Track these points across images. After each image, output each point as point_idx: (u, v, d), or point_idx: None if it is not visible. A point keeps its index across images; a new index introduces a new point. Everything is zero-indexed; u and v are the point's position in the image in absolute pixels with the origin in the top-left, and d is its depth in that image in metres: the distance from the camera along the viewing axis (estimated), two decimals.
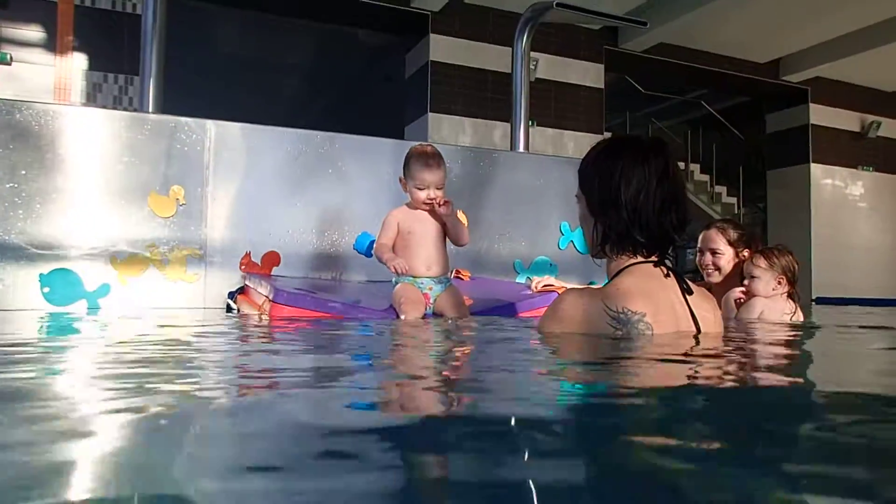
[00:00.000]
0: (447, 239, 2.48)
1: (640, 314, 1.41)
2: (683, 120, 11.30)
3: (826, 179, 10.05)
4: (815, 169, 9.95)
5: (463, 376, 1.03)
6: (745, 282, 2.46)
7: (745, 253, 2.70)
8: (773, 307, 2.40)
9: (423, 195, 2.38)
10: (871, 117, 10.01)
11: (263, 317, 2.23)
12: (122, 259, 2.67)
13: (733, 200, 10.52)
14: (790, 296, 2.46)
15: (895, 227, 10.04)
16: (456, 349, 1.44)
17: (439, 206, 2.35)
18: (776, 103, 10.20)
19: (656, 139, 1.56)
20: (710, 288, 2.84)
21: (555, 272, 3.25)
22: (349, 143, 3.13)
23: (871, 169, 10.07)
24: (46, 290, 2.54)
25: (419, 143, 2.54)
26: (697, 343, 1.40)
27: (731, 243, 2.68)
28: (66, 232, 2.60)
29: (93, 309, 2.59)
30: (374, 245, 2.45)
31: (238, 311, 2.55)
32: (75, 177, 2.63)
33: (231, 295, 2.69)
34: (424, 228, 2.42)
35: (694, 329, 1.50)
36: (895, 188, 10.19)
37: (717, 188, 10.51)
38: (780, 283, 2.41)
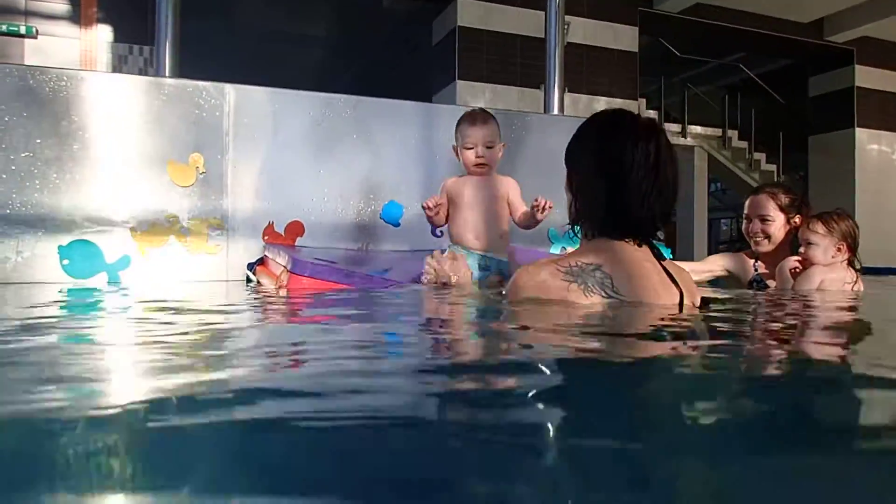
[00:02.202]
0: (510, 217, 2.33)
1: (594, 265, 1.35)
2: (721, 84, 10.87)
3: (872, 144, 9.60)
4: (861, 133, 9.51)
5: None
6: (801, 249, 2.28)
7: (797, 219, 2.51)
8: (832, 276, 2.21)
9: (471, 154, 2.23)
10: None
11: (281, 291, 2.13)
12: (142, 230, 2.58)
13: (773, 168, 10.12)
14: (850, 263, 2.27)
15: None
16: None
17: (541, 211, 2.18)
18: (819, 65, 9.74)
19: (650, 121, 1.44)
20: (756, 257, 2.66)
21: None
22: (375, 107, 2.98)
23: None
24: (66, 262, 2.47)
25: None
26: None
27: (781, 209, 2.49)
28: (84, 202, 2.51)
29: (113, 282, 2.52)
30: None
31: (257, 282, 2.45)
32: (92, 145, 2.53)
33: (250, 266, 2.59)
34: (475, 194, 2.26)
35: (677, 295, 1.40)
36: None
37: (756, 155, 10.11)
38: (839, 250, 2.22)
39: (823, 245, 2.22)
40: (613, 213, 1.40)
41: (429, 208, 2.18)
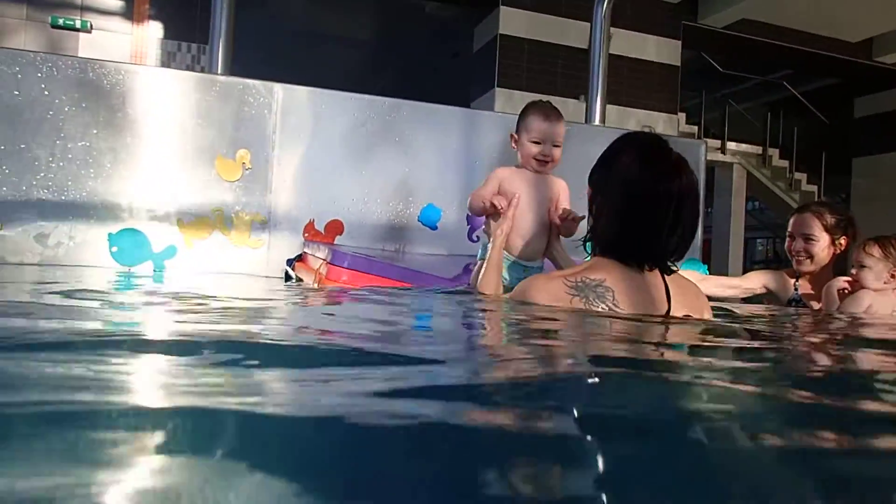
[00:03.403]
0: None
1: (597, 280, 1.43)
2: (763, 102, 10.69)
3: None
4: None
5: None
6: (853, 270, 2.23)
7: (843, 241, 2.46)
8: (883, 301, 2.16)
9: (536, 150, 2.03)
10: None
11: (321, 284, 2.16)
12: (188, 221, 2.65)
13: (814, 188, 9.92)
14: None
15: None
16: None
17: (574, 220, 1.99)
18: (867, 86, 9.54)
19: (678, 158, 1.46)
20: (798, 277, 2.62)
21: None
22: (417, 111, 3.02)
23: None
24: (115, 249, 2.55)
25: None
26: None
27: (827, 229, 2.44)
28: (134, 192, 2.60)
29: (158, 270, 2.59)
30: (470, 198, 2.11)
31: (296, 279, 2.50)
32: (145, 137, 2.62)
33: (290, 262, 2.65)
34: (532, 193, 2.02)
35: (666, 306, 1.46)
36: None
37: (797, 175, 9.92)
38: (893, 276, 2.17)
39: (877, 269, 2.17)
40: (627, 243, 1.46)
41: (503, 209, 1.95)
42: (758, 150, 9.86)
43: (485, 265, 1.96)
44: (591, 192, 1.56)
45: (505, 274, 2.02)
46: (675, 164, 1.44)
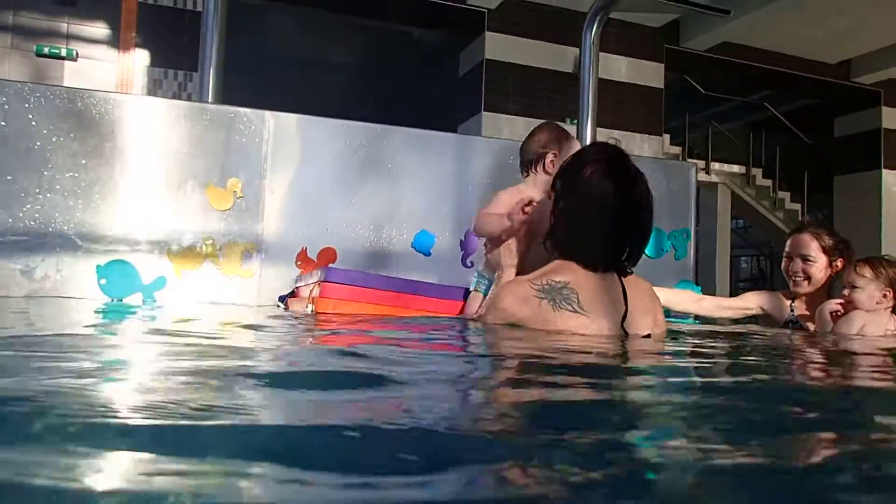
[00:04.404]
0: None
1: (562, 282, 1.54)
2: (746, 122, 10.85)
3: None
4: (888, 175, 9.44)
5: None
6: (845, 292, 2.24)
7: (839, 263, 2.48)
8: (875, 322, 2.17)
9: None
10: None
11: (309, 306, 2.12)
12: (177, 252, 2.61)
13: (797, 207, 10.04)
14: (894, 311, 2.23)
15: None
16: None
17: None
18: (846, 106, 9.72)
19: (636, 171, 1.61)
20: (794, 298, 2.62)
21: None
22: (408, 138, 3.02)
23: None
24: (103, 281, 2.50)
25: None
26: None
27: (825, 250, 2.46)
28: (123, 223, 2.55)
29: (148, 300, 2.54)
30: (476, 220, 2.08)
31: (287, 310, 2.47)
32: (134, 167, 2.58)
33: (282, 298, 2.61)
34: (540, 219, 1.90)
35: (623, 308, 1.57)
36: None
37: (781, 194, 10.05)
38: (885, 296, 2.18)
39: (869, 290, 2.18)
40: (588, 248, 1.58)
41: (526, 213, 1.90)
42: (741, 169, 9.98)
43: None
44: (555, 198, 1.68)
45: None
46: (633, 176, 1.59)
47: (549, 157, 2.11)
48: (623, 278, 1.62)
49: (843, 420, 0.68)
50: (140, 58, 6.49)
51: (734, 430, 0.58)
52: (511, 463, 0.45)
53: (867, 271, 2.18)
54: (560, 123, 2.30)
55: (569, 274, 1.56)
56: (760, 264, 13.43)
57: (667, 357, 1.34)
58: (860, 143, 9.68)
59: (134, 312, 2.15)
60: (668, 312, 2.24)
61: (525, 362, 1.09)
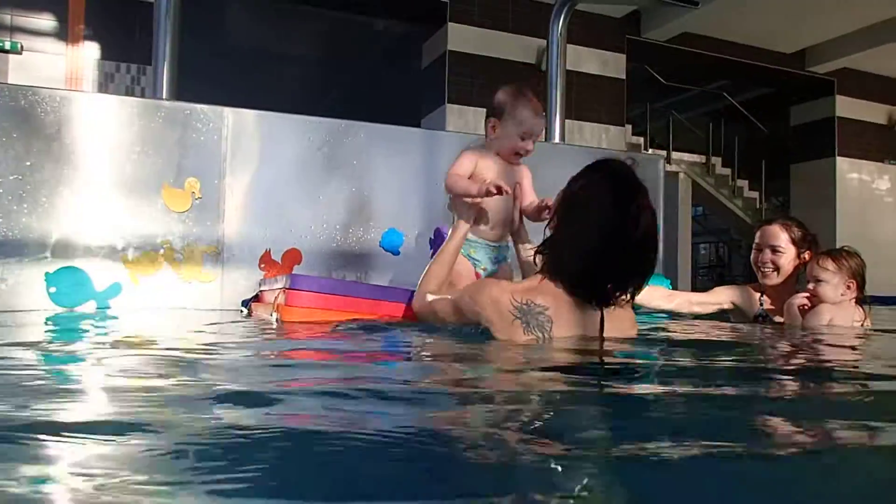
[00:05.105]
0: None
1: (542, 307, 1.49)
2: (705, 112, 11.01)
3: (852, 174, 9.76)
4: (841, 163, 9.67)
5: None
6: (810, 286, 2.25)
7: (807, 255, 2.49)
8: (842, 314, 2.18)
9: (521, 144, 2.04)
10: None
11: (274, 314, 2.04)
12: (133, 257, 2.49)
13: (755, 195, 10.25)
14: (858, 301, 2.25)
15: None
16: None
17: (543, 209, 1.99)
18: (801, 95, 9.92)
19: (646, 206, 1.49)
20: (763, 292, 2.63)
21: None
22: (373, 134, 2.94)
23: None
24: (53, 290, 2.37)
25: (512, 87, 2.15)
26: None
27: (794, 242, 2.47)
28: (73, 227, 2.42)
29: (102, 309, 2.42)
30: (447, 178, 2.06)
31: (250, 315, 2.37)
32: (84, 168, 2.45)
33: (245, 303, 2.51)
34: (503, 179, 1.99)
35: (597, 341, 1.53)
36: None
37: (739, 182, 10.24)
38: (849, 287, 2.19)
39: (833, 282, 2.19)
40: (584, 282, 1.50)
41: (487, 194, 1.91)
42: (702, 159, 10.13)
43: (439, 255, 2.03)
44: (558, 213, 1.58)
45: (477, 256, 2.13)
46: (649, 210, 1.48)
47: (491, 122, 2.12)
48: (604, 308, 1.56)
49: None
50: (90, 51, 6.23)
51: None
52: None
53: (830, 264, 2.19)
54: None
55: (550, 299, 1.50)
56: (719, 251, 13.70)
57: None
58: (815, 132, 9.89)
59: (85, 324, 2.03)
60: (637, 308, 2.22)
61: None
